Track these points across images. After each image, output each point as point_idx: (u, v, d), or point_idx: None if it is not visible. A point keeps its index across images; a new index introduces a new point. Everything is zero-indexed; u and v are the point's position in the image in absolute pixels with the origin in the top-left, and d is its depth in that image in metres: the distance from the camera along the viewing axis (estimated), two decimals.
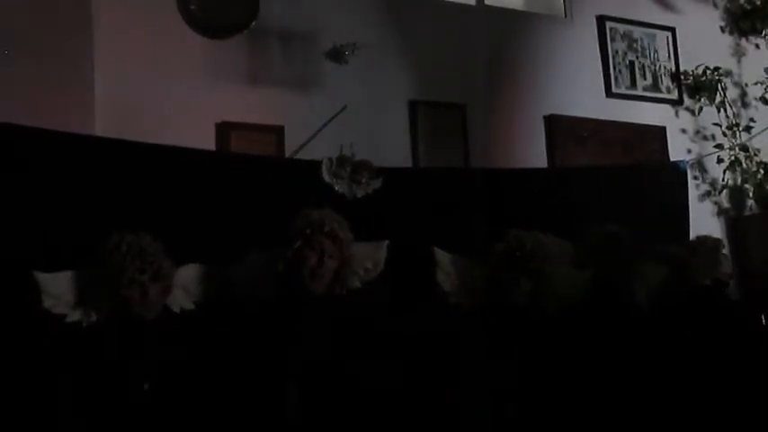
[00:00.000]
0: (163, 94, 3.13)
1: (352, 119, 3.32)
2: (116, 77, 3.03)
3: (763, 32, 4.71)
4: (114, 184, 2.56)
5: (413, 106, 3.68)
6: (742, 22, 4.73)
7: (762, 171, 4.41)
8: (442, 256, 2.70)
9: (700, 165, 4.37)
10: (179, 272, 2.38)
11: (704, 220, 4.15)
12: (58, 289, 2.25)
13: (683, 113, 4.47)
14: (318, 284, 2.35)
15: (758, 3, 4.69)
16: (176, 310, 2.35)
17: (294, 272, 2.33)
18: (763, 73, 4.61)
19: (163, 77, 3.16)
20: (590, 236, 2.82)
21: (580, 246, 2.81)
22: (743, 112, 4.61)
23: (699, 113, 4.49)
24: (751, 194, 4.45)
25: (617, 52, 4.32)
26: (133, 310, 2.23)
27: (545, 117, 4.02)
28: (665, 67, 4.46)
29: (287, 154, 3.28)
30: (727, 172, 4.40)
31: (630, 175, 3.68)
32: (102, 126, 2.90)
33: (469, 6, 4.01)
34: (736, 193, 4.47)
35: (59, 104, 2.80)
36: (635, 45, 4.39)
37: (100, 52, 2.99)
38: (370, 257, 2.50)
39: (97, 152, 2.63)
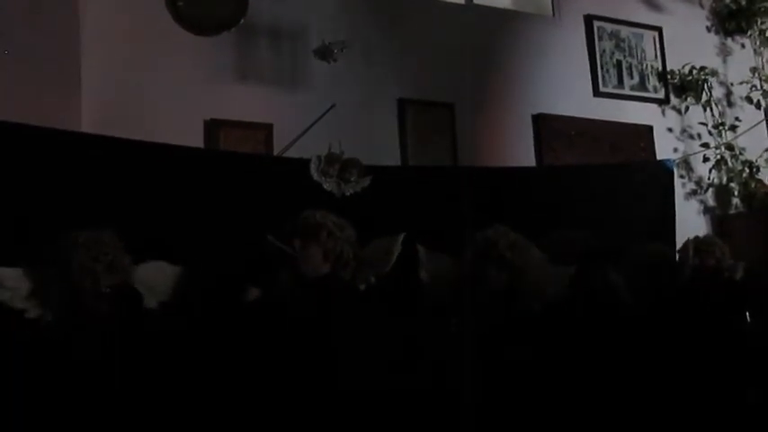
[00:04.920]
0: (151, 91, 3.12)
1: (340, 117, 3.32)
2: (103, 74, 3.01)
3: (749, 32, 4.75)
4: (101, 181, 2.55)
5: (402, 105, 3.69)
6: (728, 22, 4.78)
7: (747, 170, 4.46)
8: (423, 252, 2.70)
9: (686, 163, 4.41)
10: (140, 269, 2.33)
11: (690, 219, 4.20)
12: (13, 282, 2.19)
13: (670, 112, 4.51)
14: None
15: (743, 3, 4.73)
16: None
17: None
18: (749, 72, 4.65)
19: (151, 74, 3.14)
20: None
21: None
22: (728, 111, 4.66)
23: (685, 113, 4.53)
24: (736, 193, 4.50)
25: (604, 51, 4.35)
26: (85, 301, 2.17)
27: (533, 116, 4.04)
28: (651, 67, 4.49)
29: (276, 152, 3.28)
30: (713, 171, 4.44)
31: (618, 173, 3.70)
32: (89, 123, 2.89)
33: (458, 5, 4.02)
34: (722, 192, 4.51)
35: (46, 102, 2.77)
36: (622, 44, 4.42)
37: (87, 49, 2.98)
38: (383, 250, 2.53)
39: (83, 149, 2.62)
